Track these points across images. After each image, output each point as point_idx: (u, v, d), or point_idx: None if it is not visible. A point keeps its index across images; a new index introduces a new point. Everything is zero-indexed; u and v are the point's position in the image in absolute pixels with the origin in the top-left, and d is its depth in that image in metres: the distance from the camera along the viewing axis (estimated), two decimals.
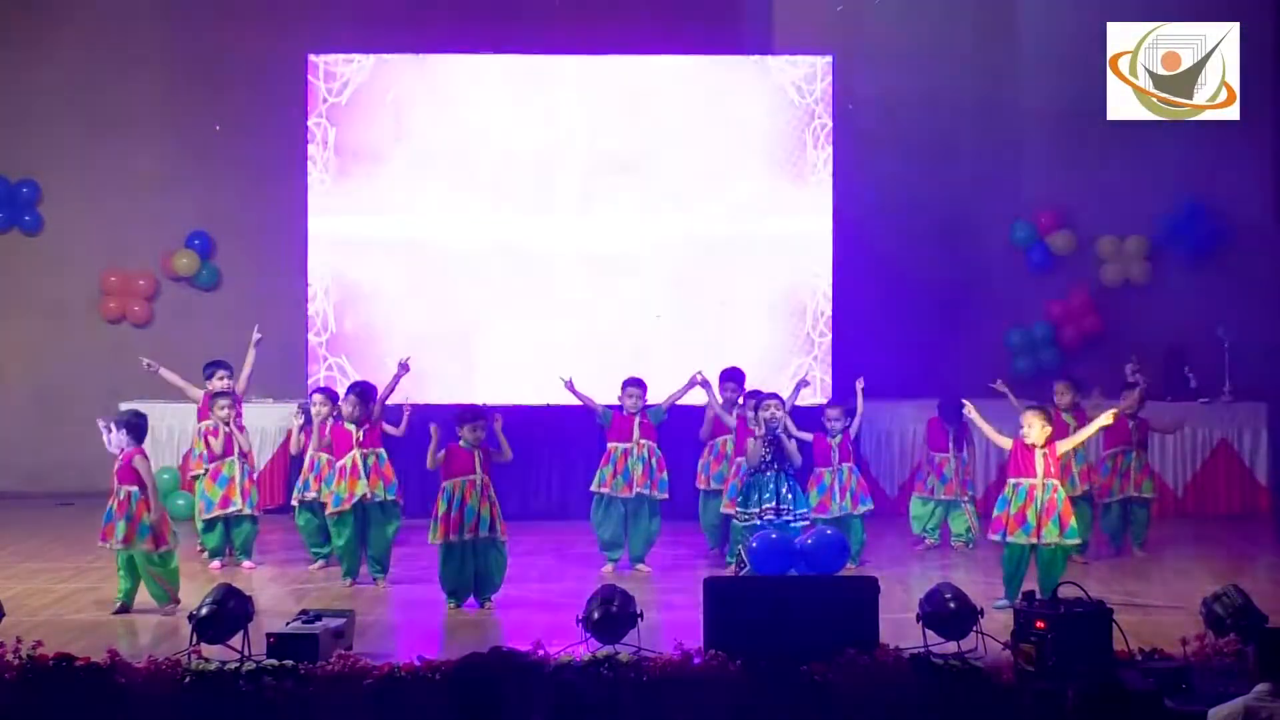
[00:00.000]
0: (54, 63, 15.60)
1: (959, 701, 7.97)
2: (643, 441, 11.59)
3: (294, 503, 11.87)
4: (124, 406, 13.56)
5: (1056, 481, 10.05)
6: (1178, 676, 7.86)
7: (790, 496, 10.59)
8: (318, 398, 11.87)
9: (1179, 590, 10.59)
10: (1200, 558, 12.08)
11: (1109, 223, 15.51)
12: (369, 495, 11.12)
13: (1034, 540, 9.94)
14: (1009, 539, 10.02)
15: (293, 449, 12.48)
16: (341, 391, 11.96)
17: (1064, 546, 10.07)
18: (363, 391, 11.51)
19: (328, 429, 11.57)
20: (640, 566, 11.55)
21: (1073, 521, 10.02)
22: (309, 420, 11.92)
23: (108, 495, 10.35)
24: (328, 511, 11.33)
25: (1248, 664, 7.23)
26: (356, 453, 11.17)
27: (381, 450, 11.30)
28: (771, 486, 10.56)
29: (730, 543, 11.33)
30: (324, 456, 11.51)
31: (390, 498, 11.24)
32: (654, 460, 11.60)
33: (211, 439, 11.86)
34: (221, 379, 12.18)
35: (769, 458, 10.66)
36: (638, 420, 11.62)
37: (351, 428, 11.29)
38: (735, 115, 14.48)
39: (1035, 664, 7.95)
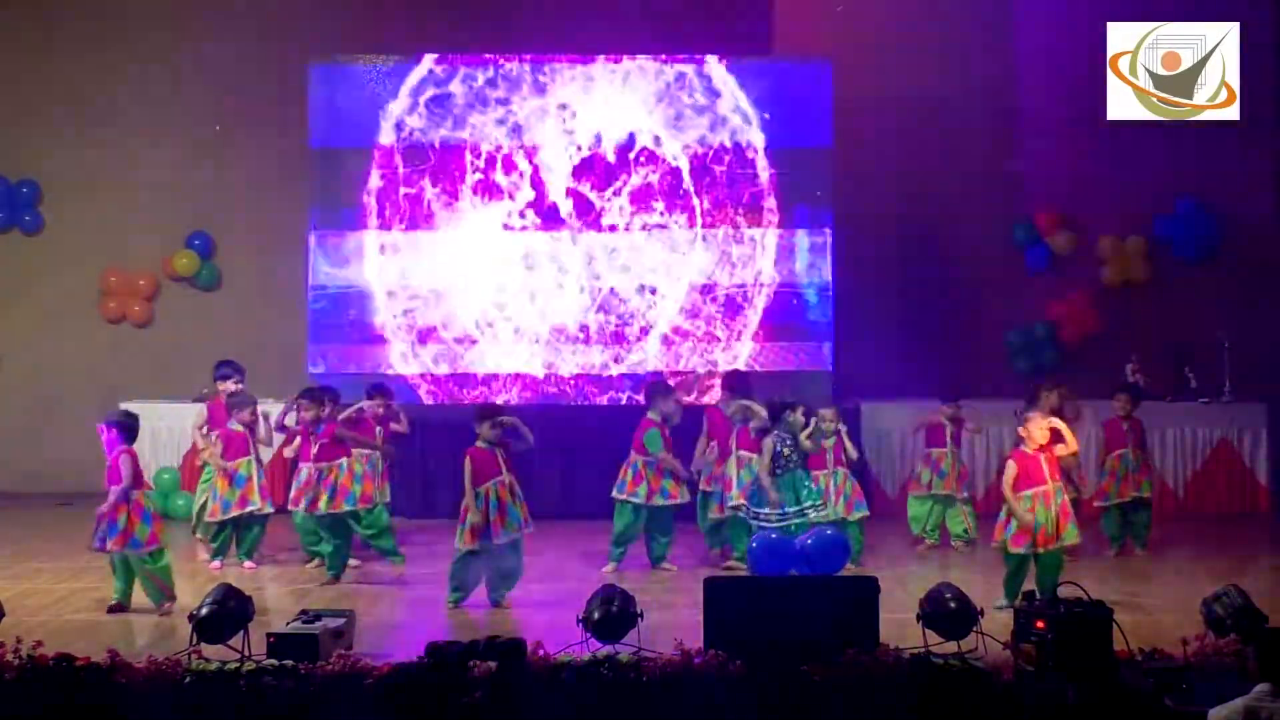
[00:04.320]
0: (54, 63, 15.62)
1: (959, 701, 7.97)
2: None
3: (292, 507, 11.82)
4: (124, 406, 13.60)
5: (1060, 484, 10.09)
6: (1178, 676, 7.86)
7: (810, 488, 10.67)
8: (304, 401, 11.65)
9: (1179, 590, 10.58)
10: (1200, 558, 12.08)
11: (1109, 223, 15.52)
12: (316, 509, 11.09)
13: (1049, 547, 9.95)
14: (1017, 550, 10.01)
15: (288, 452, 12.03)
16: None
17: (1064, 548, 10.12)
18: (317, 395, 11.47)
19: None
20: (666, 565, 11.59)
21: (1069, 526, 10.05)
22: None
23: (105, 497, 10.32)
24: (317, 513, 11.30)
25: (1248, 664, 7.23)
26: (311, 465, 11.18)
27: (342, 461, 11.19)
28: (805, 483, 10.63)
29: (733, 542, 11.40)
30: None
31: (349, 508, 11.14)
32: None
33: (233, 439, 11.82)
34: (237, 382, 12.12)
35: (794, 456, 10.68)
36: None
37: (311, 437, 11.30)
38: (735, 115, 14.47)
39: (1035, 664, 7.94)
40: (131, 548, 10.07)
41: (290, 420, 11.70)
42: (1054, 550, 9.99)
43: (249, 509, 11.72)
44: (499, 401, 13.95)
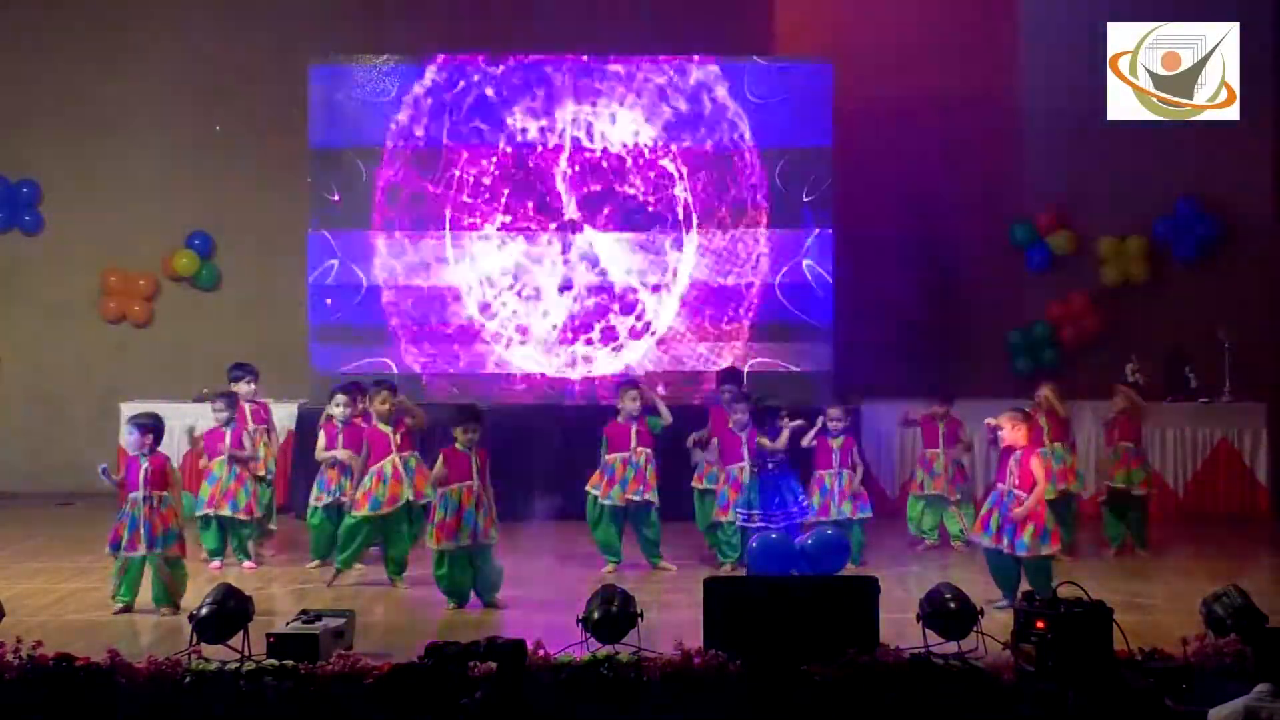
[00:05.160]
0: (54, 63, 15.62)
1: (959, 701, 7.97)
2: (640, 449, 11.52)
3: (313, 504, 11.72)
4: (124, 407, 13.61)
5: (1020, 492, 10.02)
6: (1178, 676, 7.86)
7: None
8: (342, 397, 11.68)
9: (1179, 590, 10.58)
10: (1200, 558, 12.07)
11: (1109, 223, 15.51)
12: (412, 500, 11.01)
13: (996, 545, 9.96)
14: (972, 538, 10.14)
15: (319, 453, 11.75)
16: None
17: (1050, 555, 10.04)
18: (352, 391, 11.41)
19: (337, 430, 11.58)
20: (663, 564, 11.56)
21: (1024, 536, 9.91)
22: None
23: (117, 498, 10.30)
24: (361, 513, 11.06)
25: (1248, 664, 7.22)
26: (396, 457, 11.05)
27: (417, 453, 11.19)
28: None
29: (722, 552, 11.42)
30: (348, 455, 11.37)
31: (421, 501, 11.11)
32: (649, 467, 11.53)
33: (211, 437, 11.86)
34: (249, 383, 12.17)
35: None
36: (635, 428, 11.59)
37: (388, 429, 11.18)
38: (735, 116, 14.47)
39: (1035, 664, 7.94)
40: (168, 545, 10.11)
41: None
42: (1039, 558, 9.95)
43: (210, 509, 11.70)
44: (500, 400, 14.01)
